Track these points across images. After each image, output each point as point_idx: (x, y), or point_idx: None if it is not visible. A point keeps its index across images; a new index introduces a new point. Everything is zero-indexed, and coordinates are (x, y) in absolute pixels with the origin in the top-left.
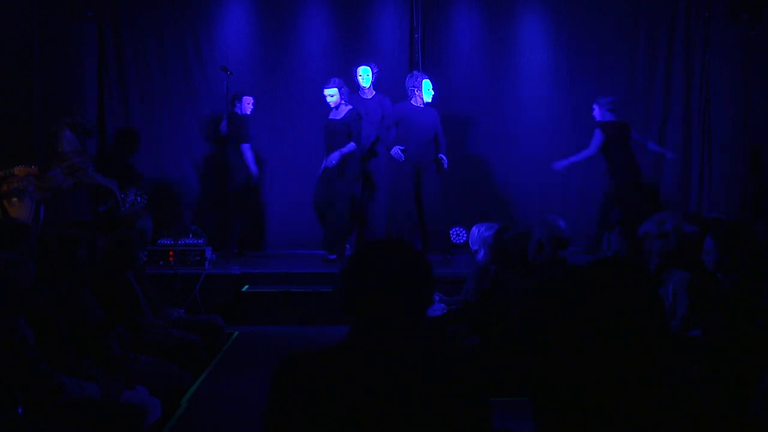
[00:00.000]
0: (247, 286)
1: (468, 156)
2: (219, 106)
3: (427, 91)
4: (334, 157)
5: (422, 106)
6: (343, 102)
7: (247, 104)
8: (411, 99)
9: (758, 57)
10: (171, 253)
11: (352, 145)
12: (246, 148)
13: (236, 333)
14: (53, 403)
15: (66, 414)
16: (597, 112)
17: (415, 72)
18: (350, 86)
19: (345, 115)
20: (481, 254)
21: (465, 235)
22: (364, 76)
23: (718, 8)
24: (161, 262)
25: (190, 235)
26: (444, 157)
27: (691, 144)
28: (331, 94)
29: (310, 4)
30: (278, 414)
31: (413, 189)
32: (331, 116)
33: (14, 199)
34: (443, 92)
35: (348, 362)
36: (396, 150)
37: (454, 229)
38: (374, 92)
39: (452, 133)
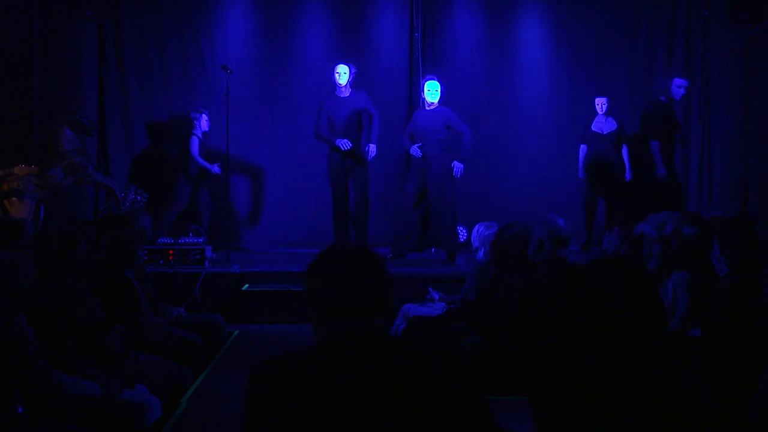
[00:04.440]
0: (247, 285)
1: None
2: (220, 106)
3: (428, 93)
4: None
5: (428, 108)
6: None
7: (205, 121)
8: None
9: (758, 57)
10: (171, 251)
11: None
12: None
13: (236, 332)
14: (53, 402)
15: (66, 412)
16: None
17: (427, 75)
18: (329, 85)
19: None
20: (481, 253)
21: (466, 234)
22: (342, 73)
23: (718, 8)
24: (161, 261)
25: (190, 234)
26: (457, 165)
27: (691, 143)
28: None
29: (310, 4)
30: (254, 420)
31: (414, 189)
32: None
33: (14, 199)
34: (443, 91)
35: (337, 364)
36: (414, 148)
37: None
38: (351, 90)
39: (452, 132)
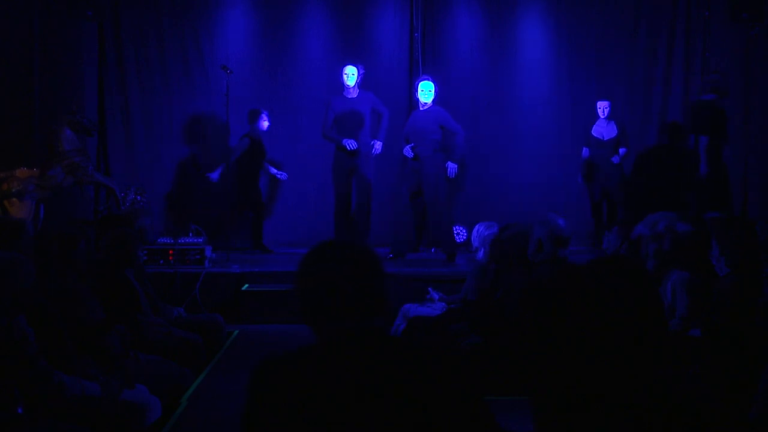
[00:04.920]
0: (246, 285)
1: (468, 155)
2: (219, 106)
3: (421, 93)
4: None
5: (422, 108)
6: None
7: (263, 122)
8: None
9: (758, 57)
10: (171, 251)
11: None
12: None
13: (236, 332)
14: (53, 402)
15: (66, 412)
16: None
17: (421, 76)
18: (336, 86)
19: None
20: (480, 253)
21: (466, 233)
22: (350, 75)
23: (718, 8)
24: (161, 261)
25: (190, 234)
26: (451, 165)
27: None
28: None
29: (310, 4)
30: (255, 419)
31: (408, 189)
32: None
33: (14, 199)
34: (443, 91)
35: (335, 364)
36: (406, 149)
37: (454, 228)
38: (358, 91)
39: (447, 132)
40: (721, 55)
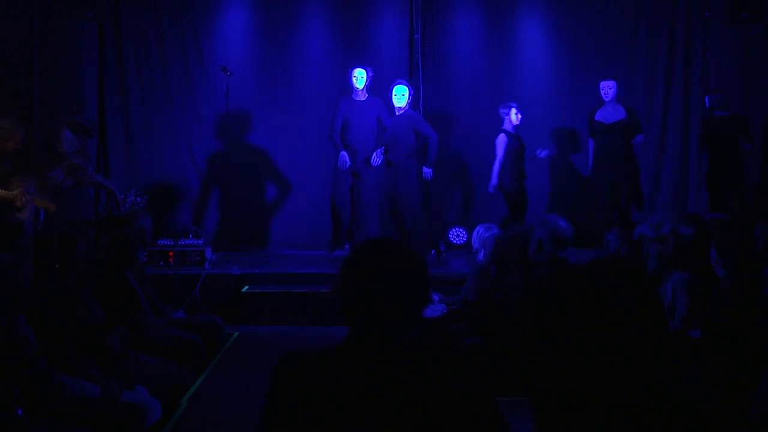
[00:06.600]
0: (247, 287)
1: (468, 156)
2: (219, 106)
3: (395, 98)
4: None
5: (397, 114)
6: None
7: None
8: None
9: (758, 57)
10: (171, 253)
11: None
12: None
13: (236, 333)
14: (53, 403)
15: (66, 413)
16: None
17: (395, 80)
18: (345, 88)
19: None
20: (481, 255)
21: (465, 235)
22: (359, 77)
23: (718, 8)
24: (161, 263)
25: (190, 236)
26: (426, 170)
27: (690, 144)
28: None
29: (310, 5)
30: (275, 412)
31: (389, 192)
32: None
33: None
34: (443, 92)
35: (346, 363)
36: (378, 153)
37: (454, 229)
38: (367, 95)
39: (452, 133)
40: (721, 55)
